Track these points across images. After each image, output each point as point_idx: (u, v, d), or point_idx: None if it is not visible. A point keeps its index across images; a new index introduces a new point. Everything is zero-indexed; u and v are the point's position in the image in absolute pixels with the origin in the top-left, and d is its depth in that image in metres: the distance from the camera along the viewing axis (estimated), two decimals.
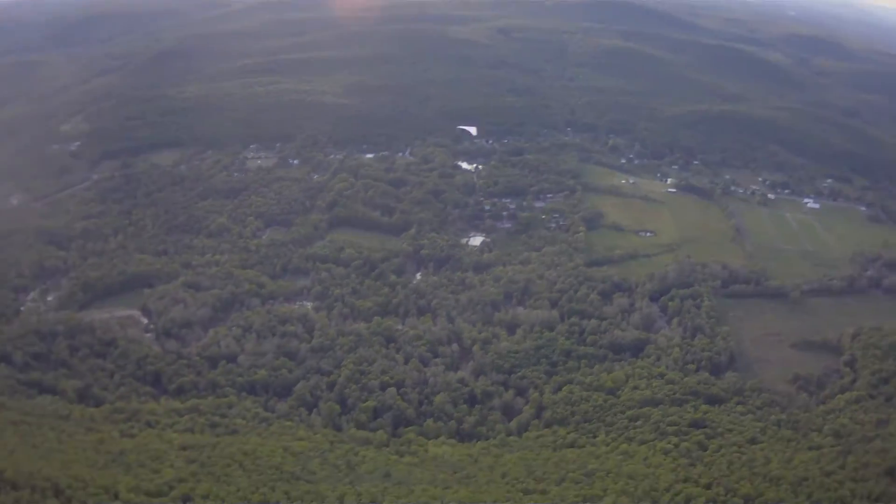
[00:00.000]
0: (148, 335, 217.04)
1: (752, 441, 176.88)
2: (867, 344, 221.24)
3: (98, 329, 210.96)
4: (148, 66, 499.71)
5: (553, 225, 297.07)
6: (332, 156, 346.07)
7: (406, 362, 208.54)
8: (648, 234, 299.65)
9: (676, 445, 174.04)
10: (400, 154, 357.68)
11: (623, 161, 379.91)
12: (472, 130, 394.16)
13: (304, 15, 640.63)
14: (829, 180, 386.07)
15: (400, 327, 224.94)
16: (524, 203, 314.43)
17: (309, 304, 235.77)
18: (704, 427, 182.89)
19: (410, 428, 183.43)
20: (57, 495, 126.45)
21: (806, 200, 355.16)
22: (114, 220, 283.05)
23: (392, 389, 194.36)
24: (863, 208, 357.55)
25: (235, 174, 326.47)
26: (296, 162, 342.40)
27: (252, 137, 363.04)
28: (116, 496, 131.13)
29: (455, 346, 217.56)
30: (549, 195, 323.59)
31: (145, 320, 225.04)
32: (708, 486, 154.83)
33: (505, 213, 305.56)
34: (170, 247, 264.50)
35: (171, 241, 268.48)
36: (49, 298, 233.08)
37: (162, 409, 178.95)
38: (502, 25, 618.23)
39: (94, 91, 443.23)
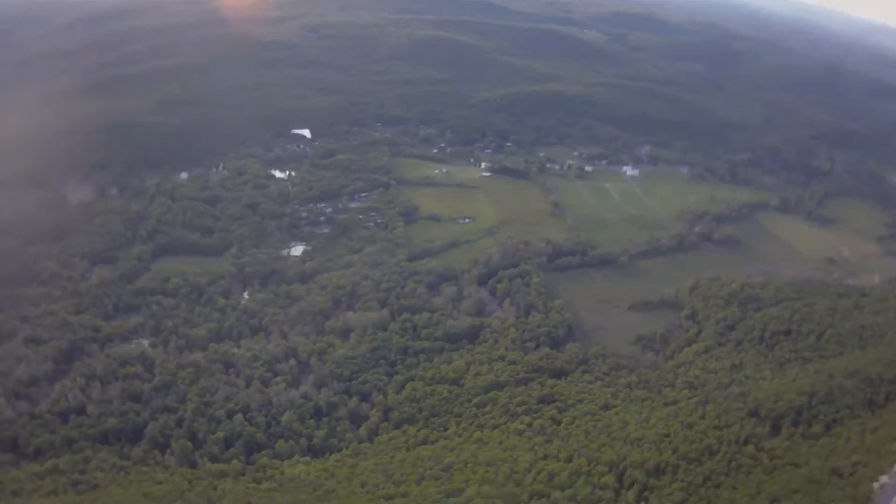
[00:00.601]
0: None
1: (606, 407, 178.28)
2: (707, 295, 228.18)
3: None
4: None
5: (371, 224, 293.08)
6: (148, 181, 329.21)
7: (247, 385, 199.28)
8: (467, 220, 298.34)
9: (529, 424, 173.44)
10: (214, 169, 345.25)
11: (435, 151, 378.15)
12: (306, 133, 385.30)
13: (121, 25, 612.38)
14: (648, 147, 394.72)
15: (236, 350, 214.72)
16: (340, 205, 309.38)
17: (145, 342, 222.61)
18: (554, 401, 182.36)
19: (263, 452, 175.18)
20: None
21: (625, 168, 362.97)
22: None
23: (239, 416, 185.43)
24: (685, 170, 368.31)
25: (58, 213, 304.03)
26: (114, 192, 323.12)
27: (70, 169, 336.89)
28: None
29: (293, 362, 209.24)
30: (363, 194, 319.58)
31: None
32: (569, 459, 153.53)
33: (322, 218, 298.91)
34: (5, 302, 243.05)
35: (5, 296, 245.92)
36: None
37: (24, 474, 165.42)
38: (311, 23, 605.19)
39: None
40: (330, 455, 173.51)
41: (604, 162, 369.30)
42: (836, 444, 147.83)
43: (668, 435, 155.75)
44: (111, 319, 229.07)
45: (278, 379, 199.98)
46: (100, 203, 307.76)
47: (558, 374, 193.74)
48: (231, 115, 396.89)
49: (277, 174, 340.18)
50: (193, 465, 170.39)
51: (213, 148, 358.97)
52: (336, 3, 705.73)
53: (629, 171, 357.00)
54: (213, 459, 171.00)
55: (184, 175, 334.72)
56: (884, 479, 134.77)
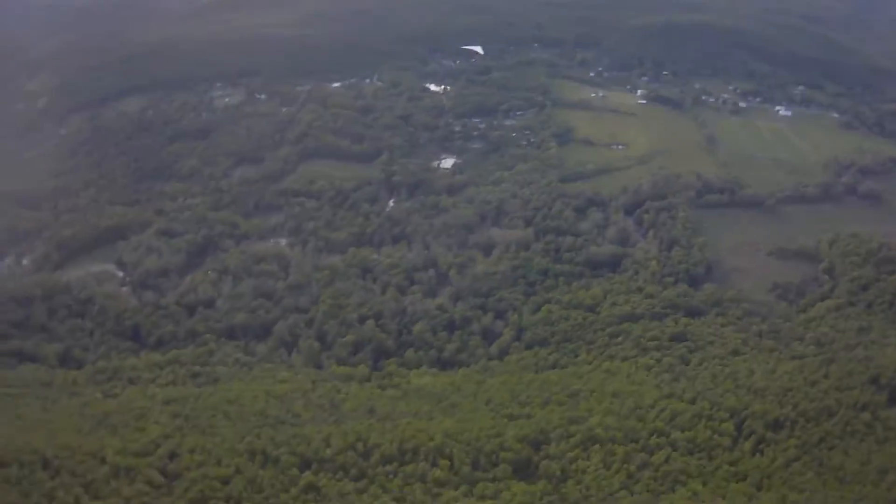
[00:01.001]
0: (124, 289, 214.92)
1: (735, 353, 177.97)
2: (845, 251, 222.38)
3: (74, 288, 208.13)
4: (108, 12, 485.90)
5: (524, 142, 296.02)
6: (299, 87, 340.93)
7: (383, 292, 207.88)
8: (620, 147, 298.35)
9: (658, 360, 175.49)
10: (367, 80, 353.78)
11: (592, 74, 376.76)
12: (478, 49, 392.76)
13: None
14: (801, 87, 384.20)
15: (376, 257, 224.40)
16: (494, 122, 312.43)
17: (283, 241, 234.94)
18: (685, 340, 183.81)
19: (391, 360, 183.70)
20: (45, 467, 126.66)
21: (778, 108, 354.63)
22: (84, 174, 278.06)
23: (371, 322, 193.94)
24: (836, 115, 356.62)
25: (203, 114, 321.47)
26: (263, 97, 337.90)
27: (217, 76, 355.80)
28: (104, 461, 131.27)
29: (431, 272, 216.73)
30: (518, 112, 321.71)
31: (121, 273, 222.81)
32: (693, 401, 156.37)
33: (475, 133, 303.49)
34: (141, 195, 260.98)
35: (142, 190, 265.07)
36: (24, 262, 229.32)
37: (143, 363, 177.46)
38: None
39: (55, 45, 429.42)
40: (458, 369, 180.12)
41: (757, 99, 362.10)
42: None
43: (790, 389, 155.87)
44: (250, 218, 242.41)
45: (415, 288, 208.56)
46: (247, 106, 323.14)
47: (693, 312, 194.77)
48: (381, 30, 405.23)
49: (433, 87, 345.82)
50: (319, 367, 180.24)
51: (366, 61, 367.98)
52: None
53: (782, 111, 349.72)
54: (340, 362, 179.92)
55: (336, 84, 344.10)
56: None
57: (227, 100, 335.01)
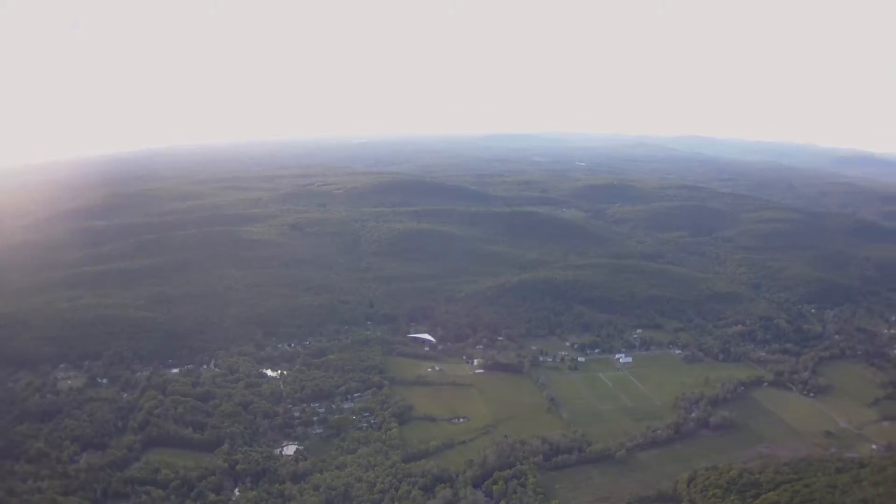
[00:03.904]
0: None
1: None
2: (705, 485, 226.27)
3: None
4: None
5: (365, 424, 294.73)
6: (138, 373, 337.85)
7: None
8: (462, 419, 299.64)
9: None
10: (205, 366, 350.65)
11: (427, 348, 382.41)
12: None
13: (101, 223, 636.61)
14: (639, 331, 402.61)
15: None
16: (333, 405, 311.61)
17: None
18: None
19: None
20: None
21: (618, 356, 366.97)
22: None
23: None
24: (678, 351, 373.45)
25: (48, 395, 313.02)
26: (105, 381, 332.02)
27: (61, 356, 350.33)
28: None
29: None
30: (356, 394, 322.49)
31: None
32: None
33: (315, 418, 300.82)
34: None
35: None
36: None
37: None
38: (294, 221, 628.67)
39: None
40: None
41: (596, 350, 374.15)
42: None
43: None
44: None
45: None
46: (90, 389, 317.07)
47: None
48: (220, 313, 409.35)
49: (270, 373, 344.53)
50: None
51: (203, 345, 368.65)
52: (315, 200, 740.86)
53: (622, 358, 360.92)
54: None
55: (175, 370, 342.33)
56: None
57: (69, 382, 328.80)
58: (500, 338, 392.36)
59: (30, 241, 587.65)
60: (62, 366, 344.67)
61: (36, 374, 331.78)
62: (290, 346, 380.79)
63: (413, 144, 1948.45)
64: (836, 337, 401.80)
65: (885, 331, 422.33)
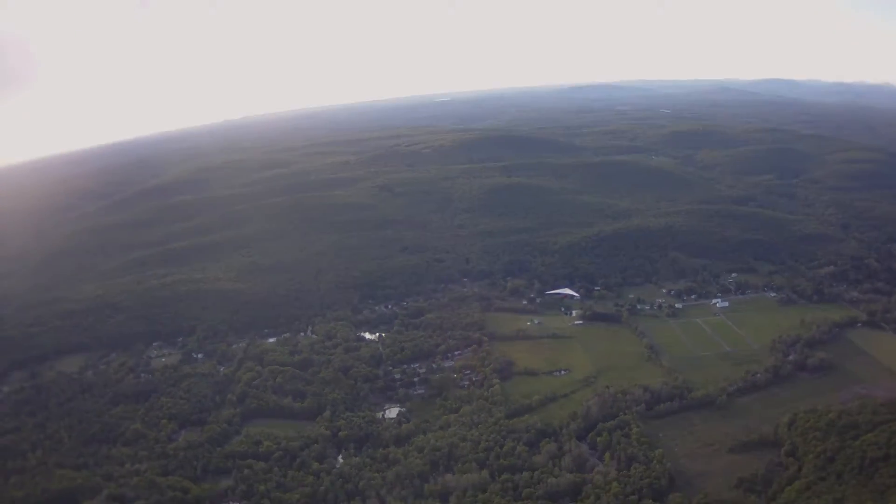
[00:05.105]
0: None
1: None
2: (805, 428, 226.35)
3: None
4: (41, 266, 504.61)
5: (466, 382, 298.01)
6: (234, 345, 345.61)
7: None
8: (563, 372, 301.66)
9: None
10: (302, 334, 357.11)
11: (525, 302, 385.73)
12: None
13: (188, 197, 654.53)
14: (734, 275, 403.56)
15: None
16: (433, 365, 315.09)
17: None
18: None
19: None
20: None
21: (714, 301, 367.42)
22: (29, 434, 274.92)
23: None
24: (773, 294, 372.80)
25: (142, 375, 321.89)
26: (200, 356, 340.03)
27: (154, 334, 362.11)
28: None
29: None
30: (457, 352, 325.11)
31: None
32: None
33: (416, 379, 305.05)
34: (89, 459, 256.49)
35: (89, 453, 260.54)
36: None
37: None
38: (384, 182, 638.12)
39: None
40: None
41: (693, 296, 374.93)
42: None
43: None
44: (200, 482, 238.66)
45: None
46: (185, 365, 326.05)
47: None
48: (314, 279, 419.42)
49: (368, 336, 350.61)
50: None
51: (299, 312, 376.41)
52: (404, 161, 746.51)
53: (719, 303, 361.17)
54: None
55: (271, 340, 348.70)
56: None
57: (164, 360, 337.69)
58: (596, 288, 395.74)
59: (116, 221, 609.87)
60: (155, 344, 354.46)
61: (129, 354, 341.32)
62: (387, 307, 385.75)
63: (497, 100, 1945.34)
64: None
65: None
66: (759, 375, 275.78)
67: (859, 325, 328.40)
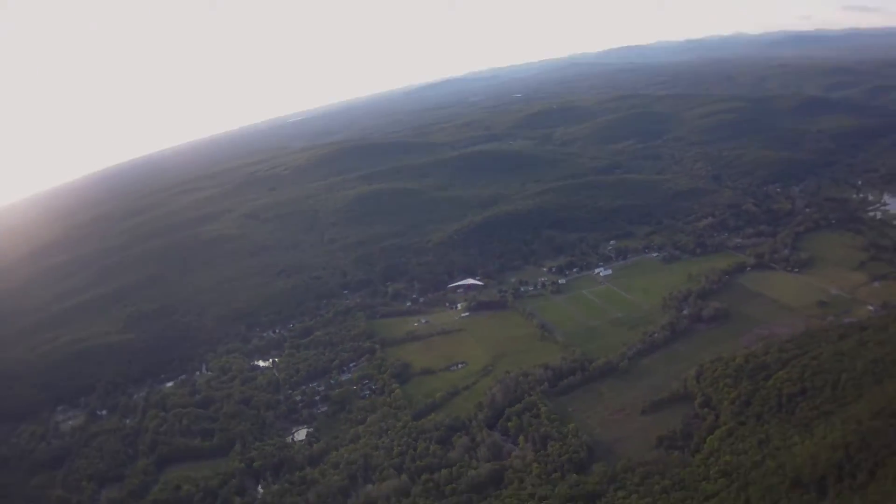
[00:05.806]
0: None
1: None
2: (714, 377, 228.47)
3: None
4: None
5: (367, 392, 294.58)
6: (135, 395, 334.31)
7: None
8: (461, 366, 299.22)
9: None
10: (198, 373, 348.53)
11: (408, 304, 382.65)
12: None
13: (62, 258, 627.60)
14: (612, 242, 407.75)
15: None
16: (331, 381, 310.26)
17: None
18: None
19: None
20: None
21: (597, 271, 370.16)
22: None
23: None
24: (654, 254, 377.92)
25: (53, 441, 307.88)
26: (104, 412, 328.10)
27: (56, 399, 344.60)
28: None
29: None
30: (352, 364, 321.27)
31: None
32: None
33: (317, 398, 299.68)
34: None
35: None
36: None
37: None
38: (249, 210, 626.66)
39: None
40: None
41: (575, 270, 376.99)
42: (885, 485, 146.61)
43: None
44: None
45: None
46: (92, 424, 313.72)
47: (593, 497, 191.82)
48: (199, 317, 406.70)
49: (262, 363, 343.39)
50: None
51: (190, 352, 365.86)
52: (265, 185, 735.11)
53: (602, 272, 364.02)
54: None
55: (169, 384, 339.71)
56: None
57: (71, 423, 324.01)
58: (476, 278, 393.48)
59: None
60: (60, 408, 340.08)
61: (37, 422, 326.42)
62: (274, 332, 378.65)
63: (351, 110, 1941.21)
64: (808, 210, 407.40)
65: (855, 195, 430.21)
66: (656, 335, 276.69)
67: (749, 269, 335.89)
